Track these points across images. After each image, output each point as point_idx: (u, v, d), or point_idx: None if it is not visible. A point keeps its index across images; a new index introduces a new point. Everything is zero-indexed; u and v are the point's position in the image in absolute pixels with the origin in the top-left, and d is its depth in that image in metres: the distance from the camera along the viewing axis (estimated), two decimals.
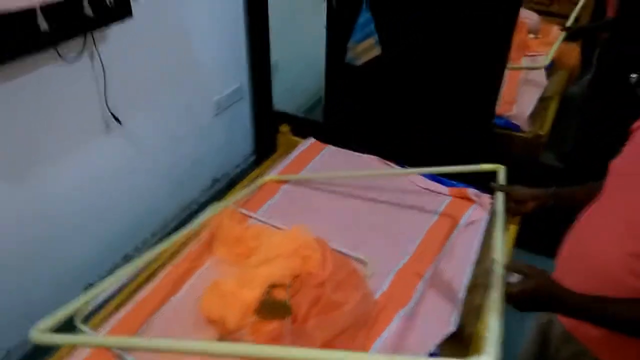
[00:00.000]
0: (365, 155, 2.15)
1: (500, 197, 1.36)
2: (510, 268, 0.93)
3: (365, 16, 2.17)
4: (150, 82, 2.04)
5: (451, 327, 1.40)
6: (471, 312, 1.54)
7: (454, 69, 2.12)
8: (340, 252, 1.62)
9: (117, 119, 1.89)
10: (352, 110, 2.48)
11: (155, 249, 1.56)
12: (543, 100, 2.60)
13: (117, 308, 1.55)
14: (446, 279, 1.56)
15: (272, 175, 2.05)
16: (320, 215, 1.83)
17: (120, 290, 1.57)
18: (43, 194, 1.72)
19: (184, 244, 1.74)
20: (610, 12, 2.45)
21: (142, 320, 1.44)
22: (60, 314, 1.25)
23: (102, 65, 1.76)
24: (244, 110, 2.73)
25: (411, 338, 1.37)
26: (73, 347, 1.40)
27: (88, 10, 1.60)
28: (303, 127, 2.43)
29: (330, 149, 2.23)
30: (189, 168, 2.40)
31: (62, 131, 1.73)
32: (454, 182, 1.98)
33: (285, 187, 1.98)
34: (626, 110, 1.85)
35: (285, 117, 2.62)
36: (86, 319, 1.45)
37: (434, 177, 2.00)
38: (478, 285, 1.63)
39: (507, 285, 0.90)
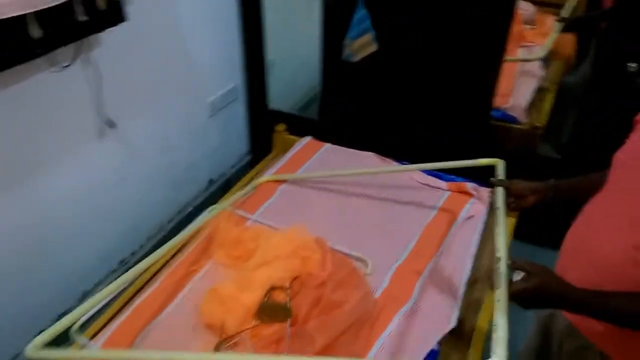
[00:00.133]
0: (363, 153, 2.14)
1: (500, 192, 1.34)
2: (513, 266, 0.91)
3: (361, 12, 2.15)
4: (145, 86, 2.02)
5: (452, 324, 1.39)
6: (470, 307, 1.53)
7: (451, 63, 2.10)
8: (339, 251, 1.61)
9: (112, 125, 1.87)
10: (348, 107, 2.46)
11: (153, 255, 1.55)
12: (539, 91, 2.58)
13: (114, 316, 1.54)
14: (446, 275, 1.55)
15: (268, 175, 2.03)
16: (318, 214, 1.81)
17: (116, 297, 1.55)
18: (38, 200, 1.70)
19: (181, 247, 1.72)
20: (607, 3, 2.44)
21: (140, 328, 1.42)
22: (57, 327, 1.23)
23: (97, 70, 1.74)
24: (239, 110, 2.71)
25: (413, 335, 1.35)
26: None
27: (81, 15, 1.57)
28: (299, 125, 2.41)
29: (327, 147, 2.21)
30: (184, 170, 2.39)
31: (56, 138, 1.70)
32: (453, 177, 1.96)
33: (282, 187, 1.97)
34: (625, 100, 1.85)
35: (280, 116, 2.60)
36: (82, 328, 1.44)
37: (432, 172, 1.99)
38: (477, 280, 1.63)
39: (511, 283, 0.88)
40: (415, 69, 2.21)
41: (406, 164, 2.05)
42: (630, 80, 1.76)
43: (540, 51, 2.66)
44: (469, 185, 1.88)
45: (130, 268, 2.08)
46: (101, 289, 1.98)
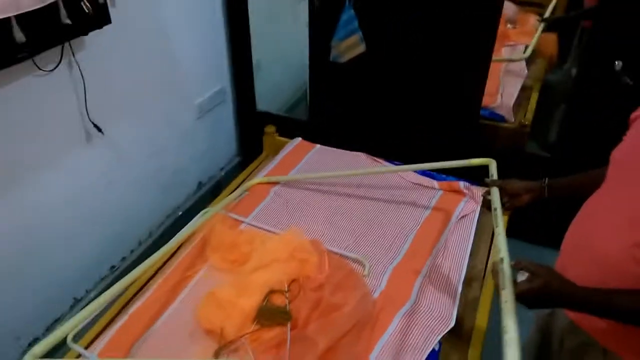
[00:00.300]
0: (354, 153, 2.14)
1: (495, 192, 1.35)
2: (517, 266, 0.92)
3: (348, 13, 2.15)
4: (131, 89, 1.99)
5: (452, 323, 1.40)
6: (468, 306, 1.55)
7: (440, 63, 2.12)
8: (336, 253, 1.61)
9: (98, 128, 1.84)
10: (337, 108, 2.46)
11: (147, 261, 1.52)
12: (524, 90, 2.62)
13: (109, 323, 1.52)
14: (443, 274, 1.56)
15: (260, 177, 2.02)
16: (312, 216, 1.81)
17: (110, 304, 1.53)
18: (25, 207, 1.66)
19: (174, 252, 1.70)
20: (589, 1, 2.48)
21: (137, 335, 1.40)
22: (54, 337, 1.20)
23: (81, 74, 1.71)
24: (227, 111, 2.69)
25: (414, 335, 1.36)
26: None
27: (65, 18, 1.54)
28: (287, 126, 2.40)
29: (318, 148, 2.21)
30: (173, 173, 2.36)
31: (42, 143, 1.67)
32: (444, 176, 1.97)
33: (275, 188, 1.96)
34: (612, 98, 1.89)
35: (269, 117, 2.59)
36: (76, 337, 1.41)
37: (423, 172, 2.00)
38: (473, 278, 1.64)
39: (515, 283, 0.89)
40: (403, 69, 2.22)
41: (397, 164, 2.06)
42: (616, 78, 1.80)
43: (526, 51, 2.70)
44: (461, 184, 1.90)
45: (120, 274, 2.07)
46: (92, 296, 1.97)
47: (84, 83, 1.72)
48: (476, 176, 1.89)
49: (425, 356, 1.30)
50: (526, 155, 2.26)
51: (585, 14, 2.51)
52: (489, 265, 1.67)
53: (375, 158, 2.10)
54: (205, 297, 1.46)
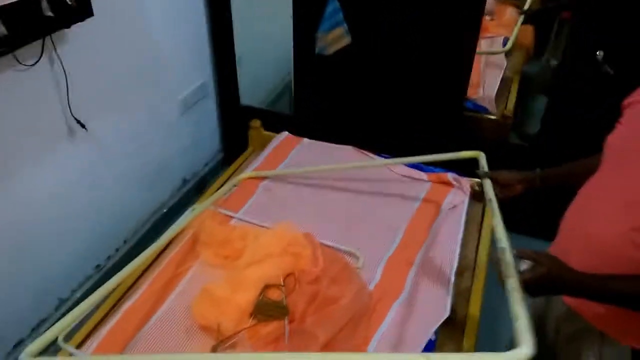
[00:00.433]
0: (342, 146, 2.14)
1: (488, 184, 1.37)
2: (519, 255, 0.93)
3: (333, 5, 2.14)
4: (113, 84, 1.95)
5: (446, 313, 1.42)
6: (460, 296, 1.56)
7: (424, 55, 2.13)
8: (329, 246, 1.61)
9: (81, 124, 1.80)
10: (323, 101, 2.46)
11: (139, 258, 1.50)
12: (504, 82, 2.66)
13: (101, 322, 1.49)
14: (436, 264, 1.57)
15: (248, 172, 2.00)
16: (303, 210, 1.80)
17: (100, 303, 1.50)
18: (6, 206, 1.62)
19: (164, 250, 1.68)
20: None
21: (131, 334, 1.38)
22: (46, 337, 1.17)
23: (63, 68, 1.66)
24: (210, 106, 2.66)
25: (410, 326, 1.37)
26: None
27: (47, 10, 1.49)
28: (271, 120, 2.38)
29: (305, 142, 2.20)
30: (157, 170, 2.32)
31: (24, 139, 1.62)
32: (432, 168, 1.99)
33: (264, 183, 1.94)
34: (594, 88, 1.93)
35: (252, 112, 2.57)
36: (67, 337, 1.38)
37: (411, 164, 2.00)
38: (464, 268, 1.66)
39: (518, 273, 0.90)
40: (389, 61, 2.22)
41: (385, 157, 2.07)
42: (598, 68, 1.83)
43: (507, 43, 2.73)
44: (450, 176, 1.91)
45: (106, 273, 2.04)
46: (78, 296, 1.93)
47: (65, 78, 1.68)
48: (462, 167, 1.92)
49: (422, 346, 1.31)
50: (510, 146, 2.29)
51: (564, 5, 2.56)
52: (479, 255, 1.69)
53: (363, 151, 2.10)
54: (199, 294, 1.44)
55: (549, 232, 1.34)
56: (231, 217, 1.77)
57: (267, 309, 1.37)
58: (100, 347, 1.35)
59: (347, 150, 2.11)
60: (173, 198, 2.47)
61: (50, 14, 1.54)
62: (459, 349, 1.40)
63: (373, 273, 1.53)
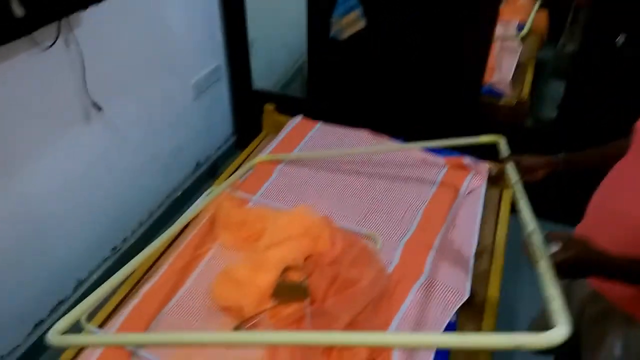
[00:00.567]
0: (357, 130, 2.13)
1: (510, 167, 1.36)
2: (550, 238, 0.93)
3: None
4: (128, 67, 1.94)
5: (466, 295, 1.42)
6: (478, 278, 1.56)
7: (441, 39, 2.11)
8: (347, 229, 1.61)
9: (98, 106, 1.79)
10: (337, 85, 2.44)
11: (158, 239, 1.50)
12: (519, 67, 2.64)
13: (120, 303, 1.50)
14: (455, 247, 1.58)
15: (263, 155, 1.99)
16: (319, 193, 1.80)
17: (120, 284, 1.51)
18: (24, 190, 1.63)
19: (182, 232, 1.68)
20: None
21: (152, 314, 1.39)
22: (71, 316, 1.19)
23: (80, 50, 1.66)
24: (222, 90, 2.65)
25: (430, 308, 1.37)
26: (80, 349, 1.35)
27: None
28: (284, 104, 2.37)
29: (320, 125, 2.19)
30: (171, 153, 2.32)
31: (40, 122, 1.63)
32: (449, 152, 1.98)
33: (280, 167, 1.94)
34: (614, 72, 1.91)
35: (265, 96, 2.56)
36: (89, 317, 1.39)
37: (427, 148, 1.99)
38: (482, 251, 1.66)
39: (550, 255, 0.90)
40: (404, 45, 2.20)
41: (399, 141, 2.06)
42: (618, 52, 1.81)
43: (524, 28, 2.72)
44: (466, 160, 1.90)
45: (122, 255, 2.05)
46: (95, 277, 1.95)
47: (82, 60, 1.67)
48: (476, 152, 1.91)
49: (443, 328, 1.32)
50: (526, 131, 2.28)
51: None
52: (497, 238, 1.69)
53: (378, 135, 2.09)
54: (219, 275, 1.45)
55: (572, 217, 1.34)
56: (248, 199, 1.77)
57: (287, 291, 1.37)
58: (123, 328, 1.36)
59: (362, 134, 2.10)
60: (187, 181, 2.47)
61: None
62: (478, 330, 1.41)
63: (392, 255, 1.53)
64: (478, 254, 1.61)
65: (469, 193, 1.78)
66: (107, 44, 1.80)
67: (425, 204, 1.74)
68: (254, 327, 1.32)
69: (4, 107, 1.48)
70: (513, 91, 2.43)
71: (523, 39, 2.80)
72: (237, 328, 1.31)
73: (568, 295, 1.24)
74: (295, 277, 1.42)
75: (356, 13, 2.22)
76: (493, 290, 1.50)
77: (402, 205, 1.74)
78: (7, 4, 1.37)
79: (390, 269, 1.48)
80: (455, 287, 1.43)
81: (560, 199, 2.03)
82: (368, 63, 2.32)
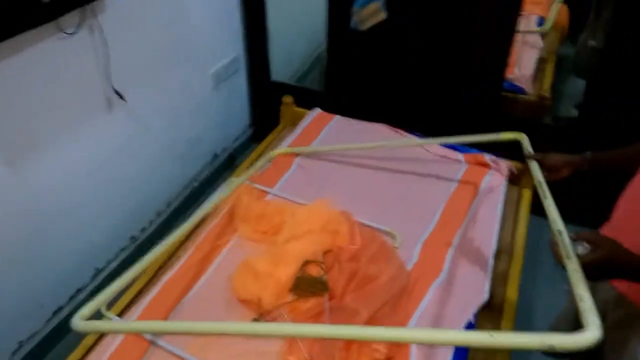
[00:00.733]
0: (375, 124, 2.11)
1: (535, 166, 1.34)
2: (577, 237, 0.92)
3: None
4: (148, 56, 1.94)
5: (485, 295, 1.41)
6: (497, 279, 1.55)
7: (463, 32, 2.08)
8: (366, 224, 1.60)
9: (120, 95, 1.80)
10: (356, 78, 2.42)
11: (177, 231, 1.51)
12: (539, 62, 2.60)
13: (140, 293, 1.51)
14: (474, 246, 1.57)
15: (282, 148, 1.99)
16: (338, 187, 1.80)
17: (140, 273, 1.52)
18: (45, 179, 1.63)
19: (201, 223, 1.69)
20: None
21: (171, 304, 1.40)
22: (95, 303, 1.20)
23: (104, 37, 1.66)
24: (240, 81, 2.64)
25: (449, 307, 1.37)
26: (100, 336, 1.36)
27: None
28: (301, 97, 2.35)
29: (338, 119, 2.18)
30: (189, 144, 2.33)
31: (64, 109, 1.63)
32: (468, 149, 1.96)
33: (298, 160, 1.93)
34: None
35: (283, 88, 2.55)
36: (107, 306, 1.41)
37: (446, 144, 1.98)
38: (501, 251, 1.65)
39: (578, 256, 0.89)
40: (426, 38, 2.17)
41: (417, 135, 2.04)
42: None
43: (546, 22, 2.68)
44: (487, 157, 1.89)
45: (140, 244, 2.07)
46: (113, 266, 1.97)
47: (107, 47, 1.68)
48: (497, 149, 1.89)
49: (462, 327, 1.31)
50: (547, 128, 2.25)
51: None
52: (516, 238, 1.67)
53: (396, 129, 2.08)
54: (239, 267, 1.45)
55: (592, 219, 1.32)
56: (267, 192, 1.77)
57: (307, 285, 1.37)
58: (142, 317, 1.37)
59: (380, 128, 2.09)
60: (204, 172, 2.47)
61: None
62: (497, 329, 1.40)
63: (411, 253, 1.52)
64: (497, 254, 1.60)
65: (489, 191, 1.77)
66: (129, 31, 1.80)
67: (445, 201, 1.73)
68: (272, 320, 1.33)
69: (28, 93, 1.49)
70: (533, 87, 2.40)
71: (543, 35, 2.77)
72: (256, 321, 1.32)
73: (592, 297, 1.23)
74: (314, 271, 1.43)
75: (377, 4, 2.19)
76: (512, 291, 1.49)
77: (421, 202, 1.73)
78: None
79: (409, 267, 1.48)
80: (474, 287, 1.42)
81: (582, 201, 2.01)
82: (388, 56, 2.29)
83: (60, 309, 1.82)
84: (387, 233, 1.59)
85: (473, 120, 2.20)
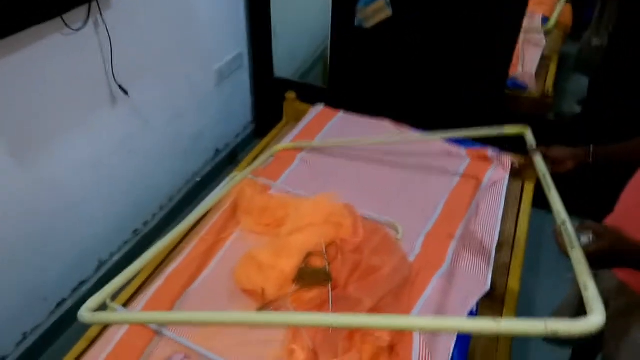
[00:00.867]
0: (378, 120, 2.12)
1: (538, 159, 1.35)
2: (581, 227, 0.93)
3: None
4: (153, 52, 1.95)
5: (487, 286, 1.42)
6: (498, 270, 1.56)
7: (468, 30, 2.09)
8: (368, 217, 1.61)
9: (123, 90, 1.81)
10: (360, 75, 2.43)
11: (182, 224, 1.52)
12: (542, 60, 2.61)
13: (144, 284, 1.52)
14: (477, 239, 1.57)
15: (285, 143, 2.00)
16: (340, 181, 1.80)
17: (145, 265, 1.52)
18: (48, 172, 1.65)
19: (204, 216, 1.69)
20: None
21: (175, 296, 1.40)
22: (102, 295, 1.21)
23: (108, 33, 1.67)
24: (243, 78, 2.65)
25: (450, 298, 1.37)
26: (104, 327, 1.37)
27: None
28: (304, 93, 2.36)
29: (341, 114, 2.18)
30: (191, 139, 2.34)
31: (68, 103, 1.65)
32: (471, 143, 1.97)
33: (301, 154, 1.94)
34: None
35: (286, 84, 2.56)
36: (112, 297, 1.41)
37: (449, 138, 1.98)
38: (503, 243, 1.66)
39: (582, 246, 0.89)
40: (430, 35, 2.18)
41: (421, 131, 2.05)
42: None
43: (550, 20, 2.69)
44: (489, 152, 1.89)
45: (143, 238, 2.08)
46: (116, 259, 1.98)
47: (110, 43, 1.69)
48: (498, 144, 1.90)
49: (464, 316, 1.32)
50: (550, 125, 2.26)
51: None
52: (518, 231, 1.68)
53: (400, 125, 2.09)
54: (242, 258, 1.46)
55: (595, 212, 1.33)
56: (270, 186, 1.78)
57: (310, 275, 1.38)
58: (147, 308, 1.37)
59: (384, 124, 2.09)
60: (206, 167, 2.49)
61: None
62: None
63: (413, 245, 1.53)
64: (499, 246, 1.61)
65: (491, 185, 1.77)
66: (133, 28, 1.81)
67: (447, 195, 1.74)
68: (276, 310, 1.33)
69: (33, 88, 1.50)
70: (537, 85, 2.40)
71: (547, 33, 2.78)
72: (260, 311, 1.33)
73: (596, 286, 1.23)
74: (317, 262, 1.43)
75: (382, 2, 2.20)
76: (513, 282, 1.50)
77: (423, 195, 1.74)
78: None
79: (411, 258, 1.48)
80: (476, 279, 1.43)
81: (585, 193, 2.02)
82: (392, 53, 2.30)
83: (63, 301, 1.83)
84: (390, 225, 1.60)
85: (476, 117, 2.20)
